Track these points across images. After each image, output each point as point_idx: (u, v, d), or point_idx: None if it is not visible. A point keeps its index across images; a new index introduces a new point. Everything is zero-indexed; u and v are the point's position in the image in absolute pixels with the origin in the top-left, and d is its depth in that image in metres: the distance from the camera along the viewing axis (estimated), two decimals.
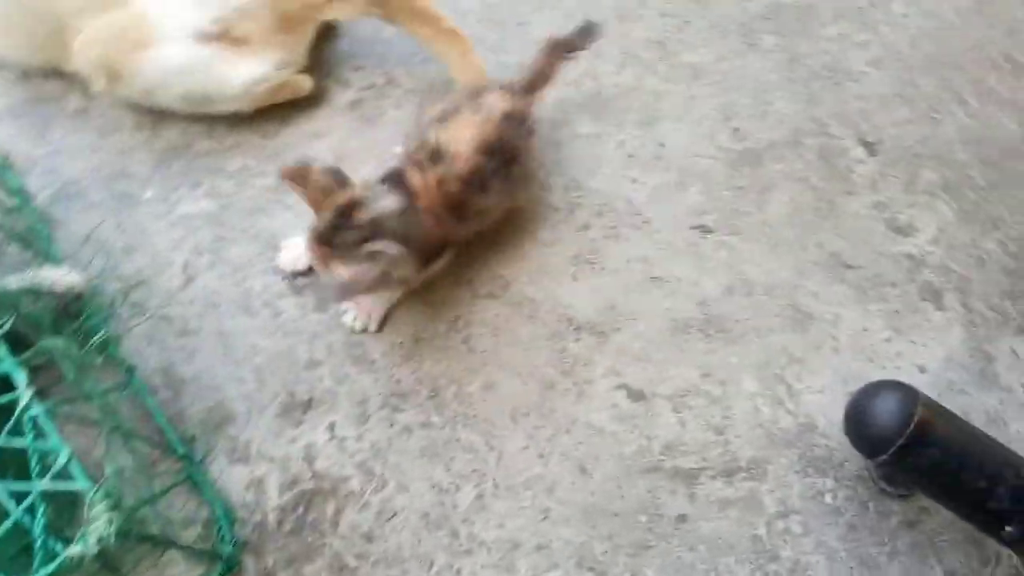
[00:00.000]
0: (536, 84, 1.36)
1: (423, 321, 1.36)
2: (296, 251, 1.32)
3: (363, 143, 1.46)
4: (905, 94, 1.67)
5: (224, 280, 1.36)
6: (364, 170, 1.40)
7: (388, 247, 1.10)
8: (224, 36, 1.27)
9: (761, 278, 1.49)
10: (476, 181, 1.21)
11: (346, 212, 1.11)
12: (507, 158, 1.24)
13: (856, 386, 1.40)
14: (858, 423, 1.26)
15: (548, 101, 1.50)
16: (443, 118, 1.22)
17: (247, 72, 1.32)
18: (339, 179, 1.14)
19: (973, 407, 1.46)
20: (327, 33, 1.45)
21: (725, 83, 1.60)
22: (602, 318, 1.42)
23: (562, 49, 1.37)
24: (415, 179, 1.19)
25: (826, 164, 1.58)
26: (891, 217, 1.56)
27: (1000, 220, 1.61)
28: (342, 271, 1.10)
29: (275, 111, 1.44)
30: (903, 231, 1.56)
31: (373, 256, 1.09)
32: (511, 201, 1.35)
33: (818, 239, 1.53)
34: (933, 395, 1.40)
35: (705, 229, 1.50)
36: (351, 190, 1.14)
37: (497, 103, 1.24)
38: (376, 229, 1.12)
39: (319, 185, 1.12)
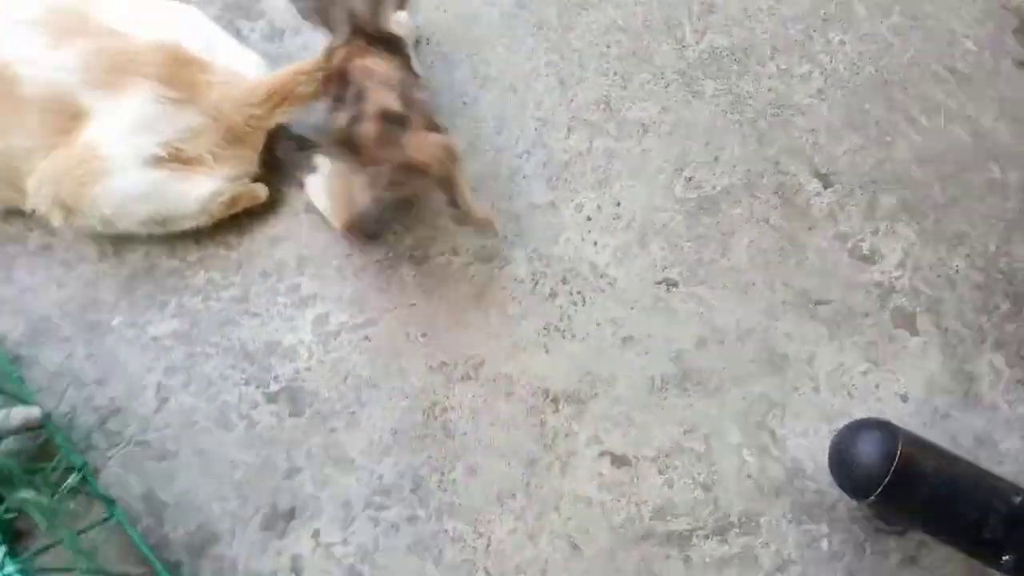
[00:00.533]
0: None
1: (400, 412, 1.38)
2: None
3: (326, 241, 1.49)
4: (854, 120, 1.70)
5: (199, 397, 1.38)
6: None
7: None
8: (175, 157, 1.31)
9: (733, 325, 1.50)
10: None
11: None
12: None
13: (839, 424, 1.41)
14: (842, 466, 1.28)
15: (505, 173, 1.53)
16: None
17: (202, 189, 1.36)
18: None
19: (960, 430, 1.46)
20: (279, 136, 1.48)
21: (674, 134, 1.63)
22: (579, 386, 1.44)
23: None
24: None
25: (784, 202, 1.60)
26: (855, 247, 1.58)
27: (964, 235, 1.63)
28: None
29: (235, 221, 1.48)
30: (868, 259, 1.58)
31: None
32: None
33: (785, 278, 1.55)
34: (918, 423, 1.41)
35: (671, 283, 1.52)
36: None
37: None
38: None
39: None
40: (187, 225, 1.39)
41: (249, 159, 1.37)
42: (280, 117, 1.35)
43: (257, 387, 1.39)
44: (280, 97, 1.33)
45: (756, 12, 1.78)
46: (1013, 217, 1.68)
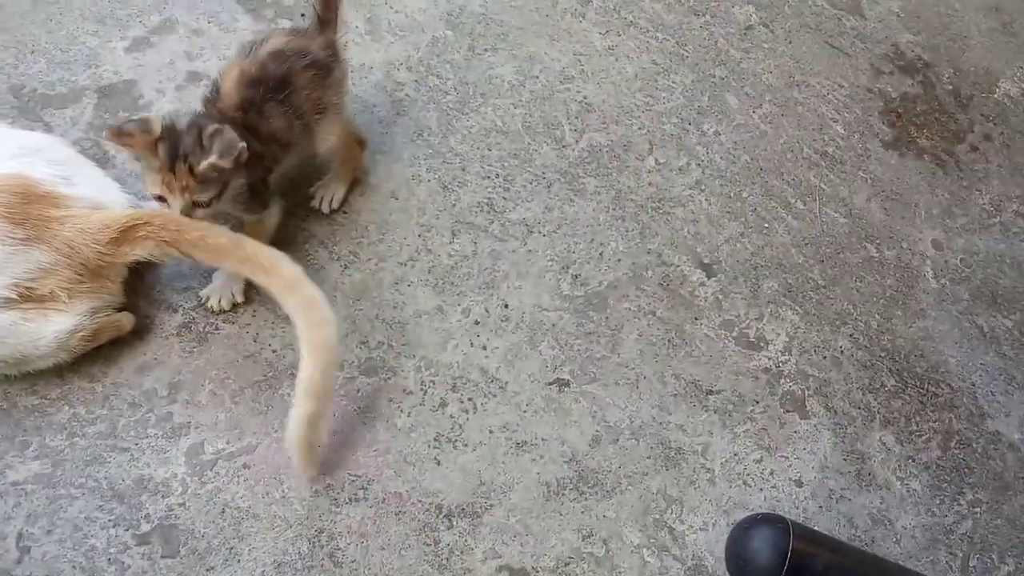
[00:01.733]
0: (327, 21, 1.51)
1: (283, 543, 1.34)
2: (221, 287, 1.51)
3: (200, 365, 1.47)
4: (733, 209, 1.79)
5: (64, 544, 1.32)
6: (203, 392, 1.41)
7: (220, 128, 1.31)
8: (26, 297, 1.28)
9: (626, 421, 1.53)
10: (252, 108, 1.40)
11: (169, 132, 1.32)
12: (277, 88, 1.42)
13: (737, 515, 1.44)
14: (736, 565, 1.30)
15: (389, 281, 1.56)
16: (223, 73, 1.45)
17: (58, 327, 1.33)
18: (145, 119, 1.33)
19: (856, 511, 1.50)
20: (145, 262, 1.46)
21: (558, 232, 1.69)
22: (472, 498, 1.43)
23: None
24: (211, 113, 1.41)
25: (669, 294, 1.66)
26: (740, 334, 1.64)
27: (847, 314, 1.71)
28: (207, 188, 1.33)
29: (101, 352, 1.45)
30: (755, 345, 1.63)
31: (227, 150, 1.29)
32: (313, 135, 1.53)
33: (675, 370, 1.59)
34: (814, 507, 1.45)
35: (563, 383, 1.55)
36: (156, 120, 1.33)
37: (265, 48, 1.43)
38: (199, 123, 1.34)
39: (138, 129, 1.30)
40: (46, 365, 1.36)
41: (109, 290, 1.36)
42: (129, 257, 1.33)
43: (127, 529, 1.34)
44: (128, 237, 1.31)
45: (632, 108, 1.87)
46: (892, 294, 1.78)
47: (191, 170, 1.31)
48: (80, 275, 1.32)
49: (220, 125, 1.33)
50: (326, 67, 1.50)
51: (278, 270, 1.34)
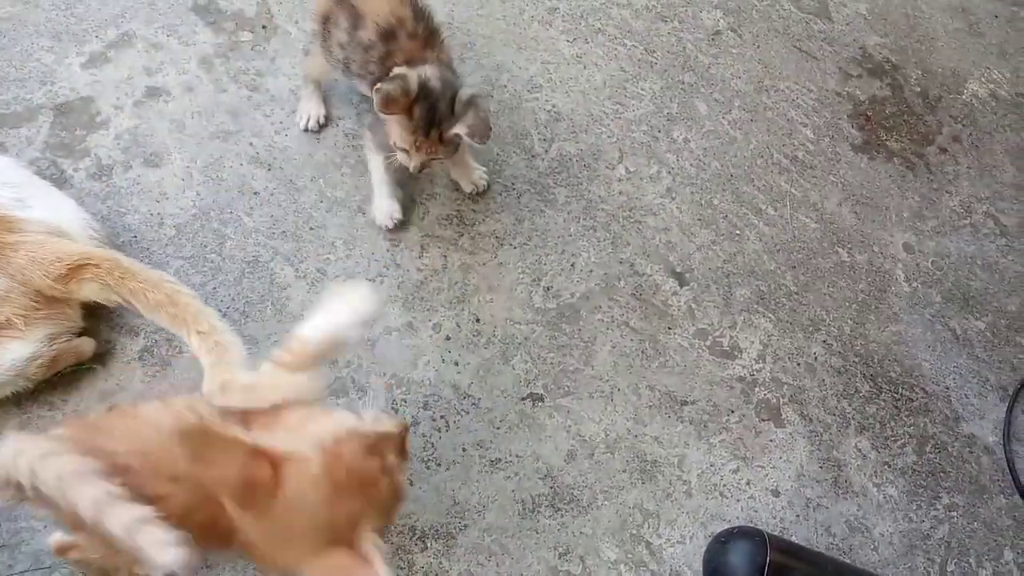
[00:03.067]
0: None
1: (253, 569, 1.32)
2: (387, 206, 1.63)
3: (163, 389, 1.46)
4: (704, 216, 1.80)
5: None
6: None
7: (475, 95, 1.42)
8: None
9: (601, 435, 1.53)
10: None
11: (424, 92, 1.39)
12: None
13: (714, 527, 1.45)
14: None
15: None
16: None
17: (15, 354, 1.31)
18: (402, 78, 1.38)
19: (833, 519, 1.52)
20: None
21: (529, 244, 1.69)
22: (446, 519, 1.43)
23: None
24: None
25: (642, 303, 1.66)
26: (714, 343, 1.65)
27: (820, 320, 1.72)
28: (449, 147, 1.46)
29: (61, 379, 1.43)
30: (729, 354, 1.64)
31: (479, 131, 1.40)
32: None
33: (650, 381, 1.59)
34: (792, 516, 1.46)
35: (536, 397, 1.54)
36: (411, 77, 1.38)
37: None
38: (450, 85, 1.42)
39: (400, 92, 1.37)
40: (4, 393, 1.34)
41: (68, 316, 1.34)
42: (84, 294, 1.30)
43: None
44: (77, 275, 1.29)
45: (601, 116, 1.88)
46: (864, 299, 1.79)
47: (441, 136, 1.42)
48: (36, 301, 1.30)
49: (475, 92, 1.42)
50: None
51: (199, 323, 1.27)
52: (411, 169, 1.50)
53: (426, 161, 1.48)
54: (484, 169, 1.73)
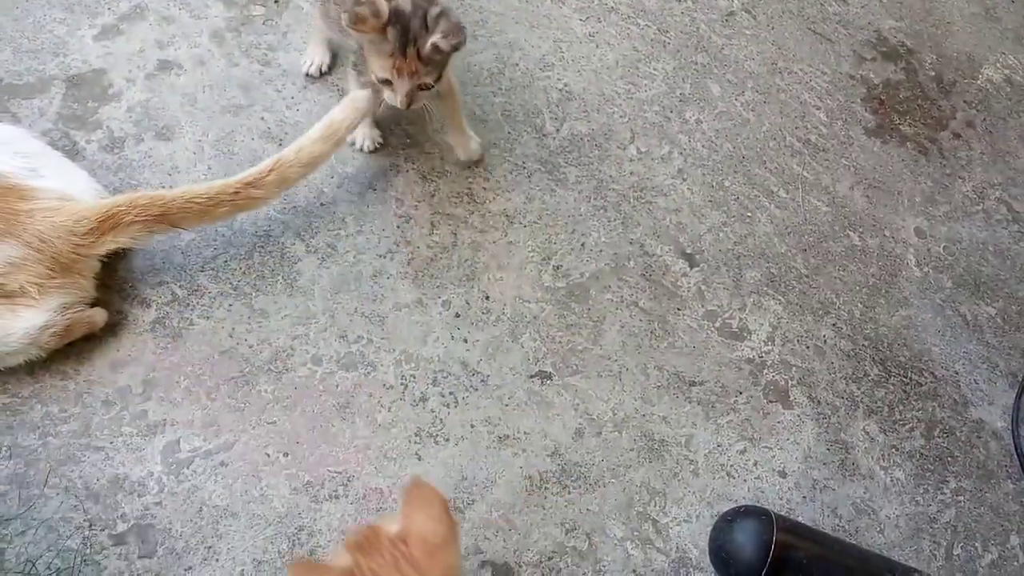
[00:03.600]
0: None
1: (262, 542, 1.35)
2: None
3: (174, 361, 1.46)
4: (715, 198, 1.80)
5: (38, 545, 1.32)
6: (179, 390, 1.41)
7: (443, 8, 1.38)
8: None
9: (609, 414, 1.54)
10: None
11: (396, 15, 1.37)
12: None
13: (721, 507, 1.45)
14: (720, 558, 1.31)
15: (368, 274, 1.57)
16: None
17: (28, 323, 1.32)
18: (372, 2, 1.37)
19: (840, 501, 1.52)
20: (118, 256, 1.45)
21: (539, 223, 1.69)
22: (455, 494, 1.44)
23: None
24: None
25: (652, 284, 1.66)
26: (723, 324, 1.65)
27: (830, 304, 1.72)
28: (431, 70, 1.41)
29: (73, 349, 1.44)
30: (738, 336, 1.65)
31: (451, 32, 1.36)
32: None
33: (658, 361, 1.60)
34: (798, 497, 1.47)
35: (545, 375, 1.55)
36: (380, 2, 1.37)
37: None
38: (443, 11, 1.39)
39: (370, 13, 1.36)
40: (16, 362, 1.35)
41: (82, 286, 1.35)
42: (110, 245, 1.32)
43: (103, 529, 1.34)
44: (109, 225, 1.31)
45: (613, 96, 1.88)
46: (875, 283, 1.79)
47: (419, 54, 1.39)
48: (51, 269, 1.31)
49: (444, 7, 1.39)
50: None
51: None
52: (399, 104, 1.46)
53: (412, 90, 1.44)
54: (479, 140, 1.72)
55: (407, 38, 1.39)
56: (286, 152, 1.45)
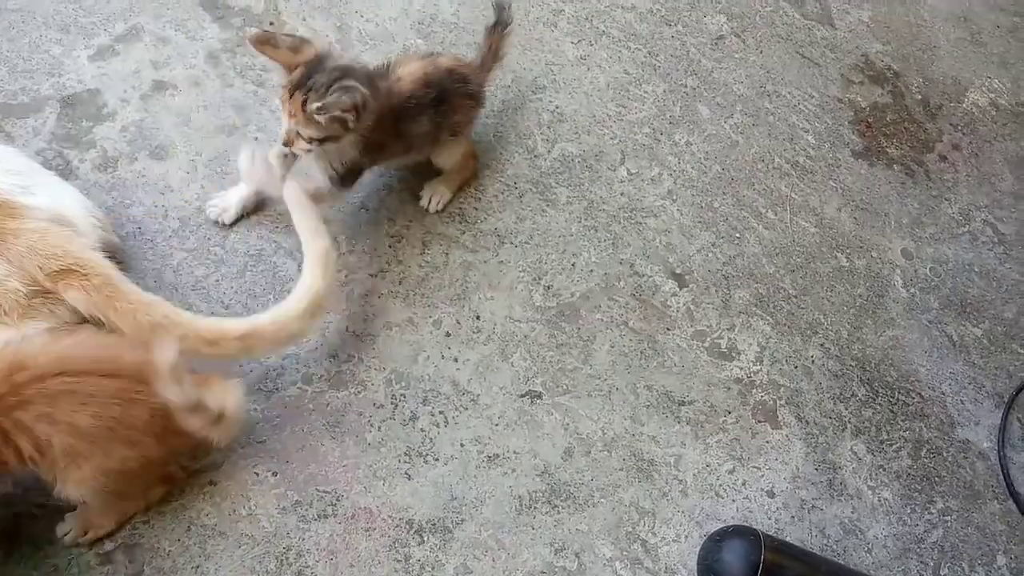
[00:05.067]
0: (486, 62, 1.65)
1: (251, 562, 1.34)
2: (227, 201, 1.59)
3: None
4: (704, 219, 1.81)
5: (25, 564, 1.31)
6: None
7: (356, 86, 1.34)
8: None
9: (598, 433, 1.54)
10: (410, 104, 1.48)
11: (317, 62, 1.36)
12: (441, 100, 1.52)
13: (709, 527, 1.45)
14: None
15: (359, 293, 1.59)
16: (398, 60, 1.53)
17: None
18: (303, 41, 1.38)
19: (828, 521, 1.52)
20: None
21: (530, 243, 1.70)
22: (444, 513, 1.43)
23: (497, 29, 1.64)
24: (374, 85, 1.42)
25: (641, 304, 1.67)
26: (712, 344, 1.66)
27: (817, 324, 1.73)
28: (311, 127, 1.36)
29: None
30: (727, 356, 1.65)
31: (345, 91, 1.33)
32: (436, 148, 1.62)
33: (647, 381, 1.60)
34: (786, 518, 1.47)
35: (535, 394, 1.55)
36: (316, 47, 1.38)
37: (444, 61, 1.55)
38: (346, 72, 1.36)
39: (287, 45, 1.36)
40: None
41: (60, 313, 1.32)
42: (69, 298, 1.27)
43: (90, 547, 1.32)
44: (70, 280, 1.26)
45: (604, 118, 1.89)
46: (862, 304, 1.80)
47: (303, 104, 1.35)
48: (33, 289, 1.28)
49: (355, 84, 1.35)
50: (477, 100, 1.64)
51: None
52: (280, 138, 1.42)
53: (291, 132, 1.40)
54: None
55: (303, 84, 1.35)
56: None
